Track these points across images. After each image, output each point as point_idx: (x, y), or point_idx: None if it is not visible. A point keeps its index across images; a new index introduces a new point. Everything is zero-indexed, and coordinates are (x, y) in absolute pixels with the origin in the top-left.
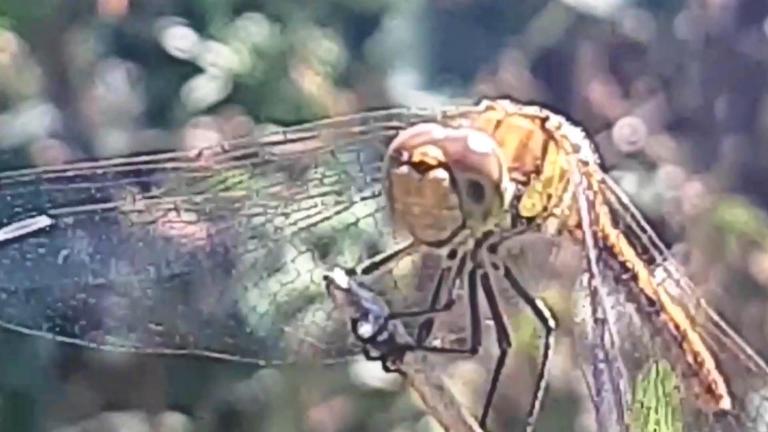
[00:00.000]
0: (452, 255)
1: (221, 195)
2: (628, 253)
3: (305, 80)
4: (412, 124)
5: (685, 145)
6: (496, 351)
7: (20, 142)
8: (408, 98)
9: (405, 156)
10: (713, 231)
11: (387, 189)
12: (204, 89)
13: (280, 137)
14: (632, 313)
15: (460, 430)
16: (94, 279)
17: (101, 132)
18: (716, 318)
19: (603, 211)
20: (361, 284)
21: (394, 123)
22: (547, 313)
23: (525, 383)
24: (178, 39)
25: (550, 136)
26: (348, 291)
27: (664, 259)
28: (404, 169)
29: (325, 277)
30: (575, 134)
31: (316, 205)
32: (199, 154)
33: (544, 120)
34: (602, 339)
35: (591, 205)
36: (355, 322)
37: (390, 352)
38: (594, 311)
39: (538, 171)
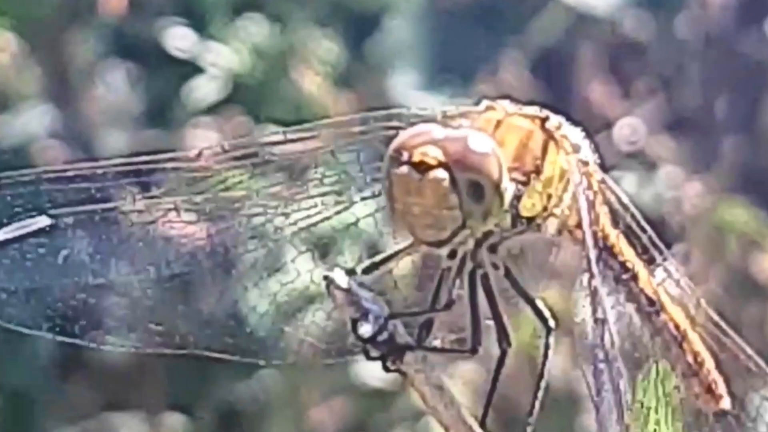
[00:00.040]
0: (452, 255)
1: (221, 195)
2: (628, 253)
3: (305, 80)
4: (412, 124)
5: (685, 145)
6: (496, 351)
7: (20, 142)
8: (408, 98)
9: (405, 156)
10: (713, 231)
11: (387, 189)
12: (204, 89)
13: (280, 137)
14: (632, 313)
15: (460, 430)
16: (94, 279)
17: (101, 132)
18: (716, 318)
19: (603, 211)
20: (361, 284)
21: (394, 123)
22: (547, 313)
23: (525, 383)
24: (178, 39)
25: (550, 136)
26: (348, 291)
27: (664, 259)
28: (404, 169)
29: (325, 277)
30: (575, 134)
31: (316, 205)
32: (199, 154)
33: (544, 120)
34: (602, 339)
35: (591, 205)
36: (355, 322)
37: (390, 352)
38: (594, 311)
39: (538, 171)
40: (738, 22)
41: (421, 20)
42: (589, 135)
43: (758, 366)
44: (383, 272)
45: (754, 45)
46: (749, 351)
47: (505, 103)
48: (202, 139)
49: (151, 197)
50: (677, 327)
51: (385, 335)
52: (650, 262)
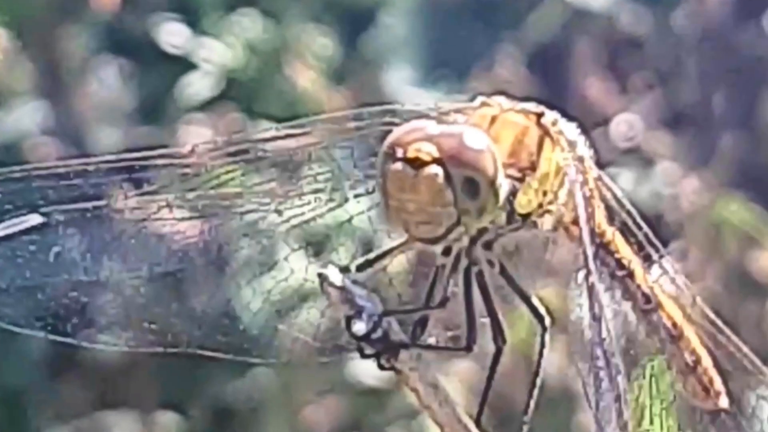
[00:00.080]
0: (447, 252)
1: (214, 192)
2: (624, 250)
3: (299, 76)
4: (407, 120)
5: (682, 142)
6: (491, 348)
7: (12, 139)
8: (403, 94)
9: (399, 152)
10: (711, 228)
11: (381, 185)
12: (197, 85)
13: (273, 133)
14: (628, 311)
15: (455, 429)
16: (86, 277)
17: (94, 128)
18: (712, 316)
19: (599, 208)
20: (355, 281)
21: (389, 119)
22: (542, 311)
23: (521, 381)
24: (172, 35)
25: (545, 132)
26: (342, 288)
27: (661, 257)
28: (398, 165)
29: (319, 275)
30: (571, 130)
31: (309, 202)
32: (192, 151)
33: (539, 116)
34: (600, 336)
35: (587, 201)
36: (349, 320)
37: (384, 350)
38: (591, 308)
39: (533, 167)
40: (736, 17)
41: (416, 16)
42: (586, 131)
43: (754, 364)
44: (377, 269)
45: (752, 40)
46: (745, 349)
47: (501, 99)
48: (196, 135)
49: (144, 194)
50: (673, 324)
51: (379, 333)
52: (646, 259)
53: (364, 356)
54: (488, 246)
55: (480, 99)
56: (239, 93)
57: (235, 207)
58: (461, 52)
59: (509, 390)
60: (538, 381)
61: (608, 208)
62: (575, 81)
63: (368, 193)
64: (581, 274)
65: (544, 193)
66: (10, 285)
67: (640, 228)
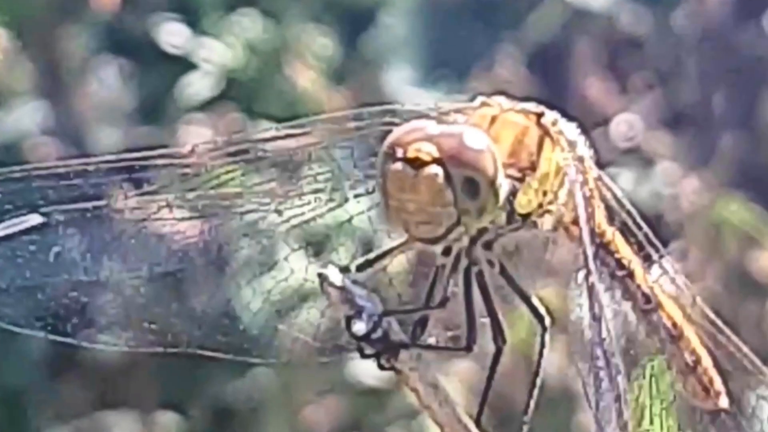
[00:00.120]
0: (447, 252)
1: (214, 192)
2: (624, 250)
3: (299, 76)
4: (407, 120)
5: (682, 142)
6: (491, 348)
7: (12, 139)
8: (403, 94)
9: (399, 152)
10: (711, 228)
11: (381, 185)
12: (197, 85)
13: (273, 133)
14: (628, 311)
15: (455, 429)
16: (86, 277)
17: (94, 128)
18: (712, 316)
19: (599, 208)
20: (355, 281)
21: (389, 119)
22: (542, 311)
23: (521, 381)
24: (172, 35)
25: (545, 132)
26: (342, 288)
27: (661, 257)
28: (398, 165)
29: (319, 275)
30: (571, 130)
31: (309, 202)
32: (192, 151)
33: (539, 116)
34: (600, 336)
35: (587, 201)
36: (349, 320)
37: (384, 350)
38: (591, 308)
39: (533, 167)
40: (736, 16)
41: (416, 16)
42: (586, 131)
43: (754, 364)
44: (377, 269)
45: (752, 40)
46: (745, 349)
47: (501, 99)
48: (196, 135)
49: (144, 194)
50: (673, 324)
51: (379, 333)
52: (646, 259)
53: (364, 356)
54: (488, 246)
55: (480, 99)
56: (239, 93)
57: (235, 207)
58: (461, 52)
59: (509, 390)
60: (538, 381)
61: (608, 208)
62: (575, 81)
63: (368, 193)
64: (581, 274)
65: (544, 193)
66: (10, 285)
67: (640, 228)
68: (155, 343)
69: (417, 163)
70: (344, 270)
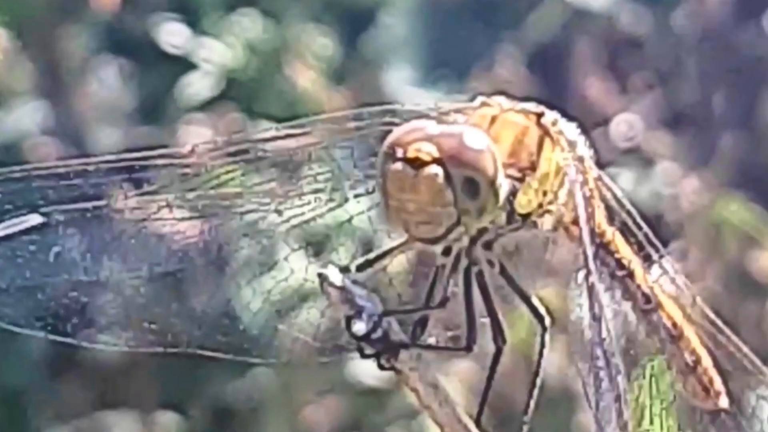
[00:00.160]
0: (447, 252)
1: (214, 192)
2: (624, 250)
3: (300, 76)
4: (407, 120)
5: (682, 142)
6: (491, 348)
7: (12, 139)
8: (403, 94)
9: (399, 152)
10: (711, 228)
11: (381, 185)
12: (197, 85)
13: (273, 133)
14: (628, 311)
15: (455, 429)
16: (86, 277)
17: (94, 129)
18: (712, 316)
19: (598, 208)
20: (355, 281)
21: (389, 119)
22: (542, 311)
23: (521, 381)
24: (172, 35)
25: (545, 132)
26: (342, 288)
27: (660, 257)
28: (398, 165)
29: (319, 275)
30: (571, 130)
31: (309, 202)
32: (192, 151)
33: (539, 116)
34: (599, 336)
35: (587, 201)
36: (349, 320)
37: (384, 350)
38: (591, 308)
39: (533, 167)
40: (736, 16)
41: (417, 15)
42: (586, 131)
43: (754, 364)
44: (377, 269)
45: (752, 40)
46: (745, 349)
47: (501, 99)
48: (196, 135)
49: (143, 194)
50: (673, 324)
51: (379, 333)
52: (646, 259)
53: (363, 356)
54: (488, 246)
55: (480, 99)
56: (239, 93)
57: (235, 207)
58: (461, 52)
59: (509, 390)
60: (538, 381)
61: (608, 208)
62: (575, 81)
63: (368, 193)
64: (581, 274)
65: (544, 193)
66: (10, 285)
67: (640, 228)
68: (155, 343)
69: (417, 163)
70: (344, 270)
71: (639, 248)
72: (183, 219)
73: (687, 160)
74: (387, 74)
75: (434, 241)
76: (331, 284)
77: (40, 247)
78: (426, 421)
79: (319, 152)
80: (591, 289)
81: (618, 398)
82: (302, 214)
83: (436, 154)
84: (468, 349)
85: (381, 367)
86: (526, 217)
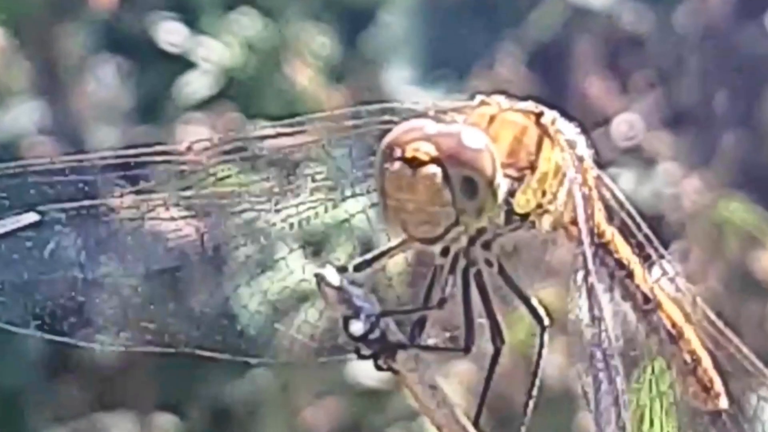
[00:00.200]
0: (445, 252)
1: (211, 190)
2: (623, 251)
3: (298, 75)
4: (406, 119)
5: (683, 141)
6: (490, 349)
7: (9, 138)
8: (403, 93)
9: (397, 152)
10: (712, 228)
11: (379, 185)
12: (196, 84)
13: (270, 131)
14: (628, 311)
15: (453, 430)
16: (82, 274)
17: (92, 128)
18: (713, 316)
19: (598, 208)
20: (352, 282)
21: (387, 117)
22: (541, 311)
23: (520, 382)
24: (170, 33)
25: (544, 131)
26: (339, 288)
27: (660, 257)
28: (396, 165)
29: (316, 275)
30: (570, 130)
31: (307, 201)
32: (189, 148)
33: (538, 115)
34: (599, 336)
35: (587, 201)
36: (346, 320)
37: (382, 351)
38: (591, 308)
39: (532, 167)
40: (737, 15)
41: (416, 14)
42: (586, 131)
43: (755, 366)
44: (376, 270)
45: (754, 39)
46: (746, 350)
47: (500, 98)
48: (194, 134)
49: (140, 192)
50: (673, 325)
51: (376, 333)
52: (646, 259)
53: (361, 357)
54: (487, 246)
55: (479, 98)
56: (238, 92)
57: (232, 206)
58: (461, 51)
59: (508, 391)
60: (537, 382)
61: (608, 208)
62: (576, 80)
63: (367, 192)
64: (580, 275)
65: (543, 193)
66: (6, 283)
67: (639, 228)
68: (153, 343)
69: (415, 163)
70: (342, 270)
71: (639, 248)
72: (180, 217)
73: (688, 159)
74: (387, 73)
75: (432, 241)
76: (329, 284)
77: (35, 245)
78: (425, 422)
79: (317, 151)
80: (590, 290)
81: (617, 399)
82: (300, 213)
83: (435, 154)
84: (466, 349)
85: (378, 367)
86: (524, 217)
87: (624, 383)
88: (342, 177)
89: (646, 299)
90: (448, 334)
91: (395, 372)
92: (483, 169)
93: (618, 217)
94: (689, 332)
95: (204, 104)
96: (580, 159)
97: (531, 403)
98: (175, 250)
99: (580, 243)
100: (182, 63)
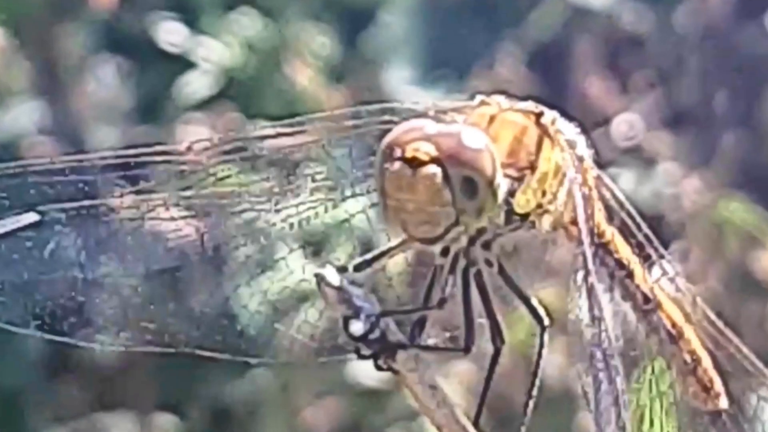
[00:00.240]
0: (445, 252)
1: (211, 190)
2: (623, 250)
3: (298, 75)
4: (406, 119)
5: (683, 141)
6: (490, 349)
7: (10, 138)
8: (403, 93)
9: (397, 152)
10: (712, 228)
11: (379, 185)
12: (196, 84)
13: (270, 131)
14: (628, 311)
15: (453, 430)
16: (81, 274)
17: (92, 128)
18: (713, 316)
19: (598, 208)
20: (352, 282)
21: (387, 117)
22: (541, 311)
23: (520, 382)
24: (170, 33)
25: (544, 131)
26: (339, 288)
27: (660, 257)
28: (396, 165)
29: (316, 275)
30: (570, 130)
31: (307, 201)
32: (189, 148)
33: (538, 115)
34: (599, 336)
35: (587, 201)
36: (346, 320)
37: (382, 351)
38: (591, 308)
39: (532, 167)
40: (737, 15)
41: (416, 14)
42: (586, 131)
43: (755, 366)
44: (376, 270)
45: (754, 39)
46: (746, 350)
47: (500, 98)
48: (194, 135)
49: (140, 192)
50: (673, 325)
51: (376, 333)
52: (646, 259)
53: (361, 357)
54: (487, 246)
55: (479, 98)
56: (238, 92)
57: (232, 206)
58: (461, 51)
59: (508, 391)
60: (537, 382)
61: (608, 208)
62: (576, 80)
63: (367, 192)
64: (580, 275)
65: (543, 193)
66: (6, 283)
67: (639, 228)
68: (152, 343)
69: (415, 163)
70: (342, 270)
71: (639, 248)
72: (180, 217)
73: (688, 159)
74: (387, 73)
75: (432, 241)
76: (329, 284)
77: (35, 245)
78: (425, 422)
79: (317, 151)
80: (590, 290)
81: (617, 399)
82: (300, 213)
83: (435, 154)
84: (466, 349)
85: (378, 367)
86: (524, 217)
87: (624, 383)
88: (342, 177)
89: (646, 299)
90: (448, 334)
91: (395, 372)
92: (483, 169)
93: (618, 217)
94: (689, 332)
95: (204, 104)
96: (580, 159)
97: (531, 403)
98: (175, 250)
99: (580, 243)
100: (182, 63)
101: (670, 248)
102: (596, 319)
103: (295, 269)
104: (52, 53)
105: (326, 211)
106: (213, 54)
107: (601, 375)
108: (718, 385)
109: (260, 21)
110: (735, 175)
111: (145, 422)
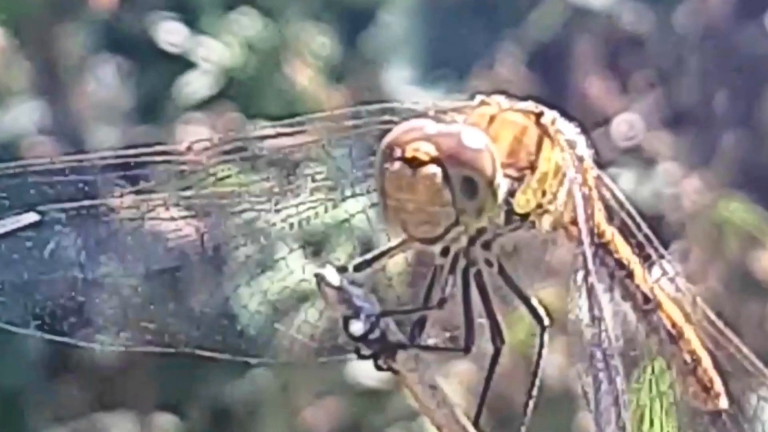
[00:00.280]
0: (445, 252)
1: (211, 190)
2: (623, 250)
3: (298, 75)
4: (406, 119)
5: (683, 141)
6: (490, 349)
7: (9, 138)
8: (403, 93)
9: (397, 152)
10: (712, 228)
11: (379, 185)
12: (196, 84)
13: (270, 131)
14: (628, 311)
15: (453, 430)
16: (82, 275)
17: (92, 128)
18: (713, 316)
19: (598, 208)
20: (352, 282)
21: (387, 117)
22: (541, 311)
23: (520, 382)
24: (170, 33)
25: (544, 131)
26: (339, 288)
27: (660, 257)
28: (396, 165)
29: (316, 275)
30: (570, 130)
31: (307, 201)
32: (189, 148)
33: (538, 115)
34: (599, 336)
35: (587, 200)
36: (346, 320)
37: (382, 351)
38: (591, 308)
39: (532, 167)
40: (737, 15)
41: (416, 14)
42: (586, 131)
43: (755, 366)
44: (376, 270)
45: (754, 39)
46: (746, 350)
47: (500, 98)
48: (194, 135)
49: (140, 192)
50: (673, 325)
51: (376, 333)
52: (646, 259)
53: (361, 357)
54: (487, 246)
55: (479, 98)
56: (238, 92)
57: (232, 206)
58: (461, 51)
59: (508, 391)
60: (537, 382)
61: (608, 208)
62: (576, 80)
63: (367, 192)
64: (580, 275)
65: (543, 193)
66: (6, 283)
67: (639, 228)
68: (153, 343)
69: (415, 163)
70: (342, 270)
71: (639, 248)
72: (180, 217)
73: (688, 159)
74: (387, 73)
75: (432, 241)
76: (329, 284)
77: (35, 245)
78: (426, 422)
79: (317, 151)
80: (590, 290)
81: (617, 399)
82: (300, 213)
83: (435, 154)
84: (466, 349)
85: (378, 367)
86: (524, 217)
87: (624, 383)
88: (342, 177)
89: (646, 299)
90: (448, 334)
91: (395, 372)
92: (483, 169)
93: (618, 217)
94: (689, 332)
95: (204, 104)
96: (580, 159)
97: (531, 403)
98: (175, 250)
99: (580, 243)
100: (182, 63)
101: (670, 248)
102: (596, 319)
103: (295, 269)
104: (52, 53)
105: (326, 211)
106: (213, 54)
107: (601, 375)
108: (718, 385)
109: (260, 21)
110: (735, 175)
111: (145, 422)
